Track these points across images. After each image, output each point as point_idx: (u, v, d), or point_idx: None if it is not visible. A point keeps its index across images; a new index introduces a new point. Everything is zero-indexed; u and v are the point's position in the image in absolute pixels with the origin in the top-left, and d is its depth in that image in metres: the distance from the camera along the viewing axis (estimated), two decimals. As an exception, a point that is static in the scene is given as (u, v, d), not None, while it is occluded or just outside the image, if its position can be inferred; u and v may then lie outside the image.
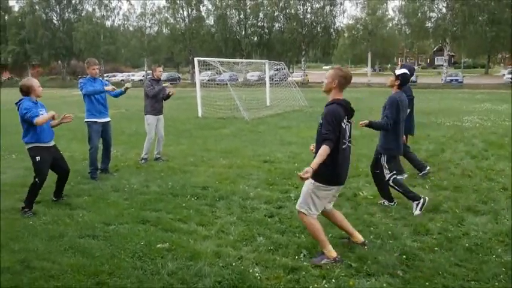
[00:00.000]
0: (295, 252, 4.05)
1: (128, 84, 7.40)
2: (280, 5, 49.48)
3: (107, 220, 4.98)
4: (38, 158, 5.31)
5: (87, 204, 5.62)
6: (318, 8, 48.31)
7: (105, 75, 54.65)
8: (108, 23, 56.41)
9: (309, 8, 48.53)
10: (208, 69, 20.70)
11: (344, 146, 3.78)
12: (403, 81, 5.32)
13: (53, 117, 5.40)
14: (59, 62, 60.24)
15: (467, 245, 4.15)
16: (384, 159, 5.23)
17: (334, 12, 48.99)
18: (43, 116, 5.23)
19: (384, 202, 5.46)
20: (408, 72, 5.35)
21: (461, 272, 3.63)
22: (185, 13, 51.85)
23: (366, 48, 49.25)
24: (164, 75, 53.65)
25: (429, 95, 27.22)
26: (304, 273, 3.66)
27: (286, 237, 4.41)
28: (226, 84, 17.55)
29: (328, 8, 48.44)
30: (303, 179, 3.52)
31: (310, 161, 7.87)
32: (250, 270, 3.69)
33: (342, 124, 3.73)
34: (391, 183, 5.23)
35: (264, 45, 51.68)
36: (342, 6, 50.14)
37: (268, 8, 50.17)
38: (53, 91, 36.46)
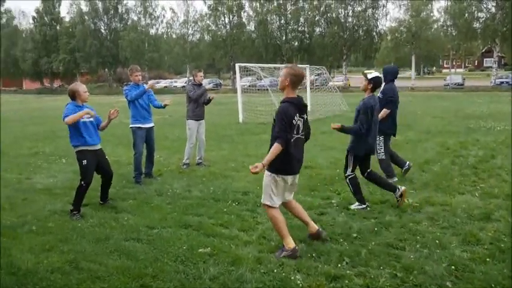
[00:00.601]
0: (337, 259, 3.97)
1: (167, 102, 7.52)
2: (321, 9, 49.12)
3: (151, 224, 5.08)
4: (84, 162, 5.49)
5: (131, 207, 5.78)
6: (359, 11, 47.56)
7: (149, 82, 56.10)
8: (152, 31, 58.08)
9: (351, 11, 47.90)
10: (249, 75, 20.88)
11: (293, 139, 4.03)
12: (376, 85, 5.51)
13: (89, 115, 5.48)
14: (106, 69, 62.62)
15: (521, 256, 3.93)
16: (350, 157, 5.48)
17: (376, 15, 48.09)
18: (72, 116, 5.33)
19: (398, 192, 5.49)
20: (380, 75, 5.56)
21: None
22: (226, 20, 52.52)
23: (409, 51, 47.92)
24: (205, 82, 54.43)
25: (477, 97, 26.14)
26: (347, 281, 3.58)
27: (328, 245, 4.33)
28: (267, 89, 17.60)
29: (370, 11, 47.59)
30: (254, 173, 3.86)
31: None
32: (292, 277, 3.65)
33: (293, 121, 4.00)
34: (347, 181, 5.52)
35: (304, 50, 51.41)
36: (384, 9, 49.34)
37: (309, 13, 49.91)
38: (99, 98, 37.87)
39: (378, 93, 6.59)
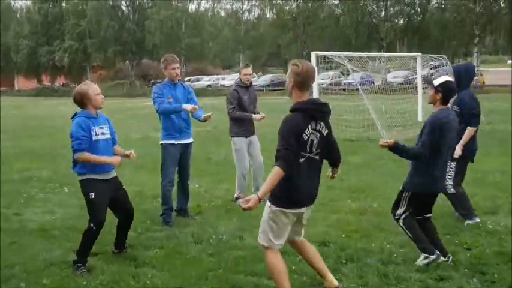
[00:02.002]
0: None
1: (208, 115, 7.43)
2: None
3: (184, 284, 5.14)
4: (91, 195, 5.54)
5: (157, 260, 5.87)
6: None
7: (186, 79, 57.80)
8: (192, 7, 59.81)
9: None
10: (330, 69, 20.82)
11: (304, 159, 4.18)
12: (447, 94, 5.47)
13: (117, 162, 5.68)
14: (127, 62, 64.78)
15: None
16: (406, 195, 5.52)
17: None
18: (93, 157, 5.47)
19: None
20: (451, 80, 5.61)
21: None
22: (298, -11, 53.21)
23: None
24: (267, 78, 55.43)
25: None
26: None
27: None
28: (357, 89, 17.46)
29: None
30: (245, 209, 4.00)
31: (490, 209, 7.50)
32: None
33: (303, 135, 4.14)
34: (401, 224, 5.56)
35: (414, 31, 50.86)
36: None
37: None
38: (118, 101, 39.38)
39: (452, 105, 6.65)
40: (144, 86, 61.50)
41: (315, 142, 4.21)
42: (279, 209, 4.23)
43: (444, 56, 23.49)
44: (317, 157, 4.28)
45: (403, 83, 27.52)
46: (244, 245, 6.32)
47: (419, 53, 22.31)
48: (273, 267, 4.36)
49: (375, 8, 51.05)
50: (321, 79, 20.71)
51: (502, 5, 46.95)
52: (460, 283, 5.05)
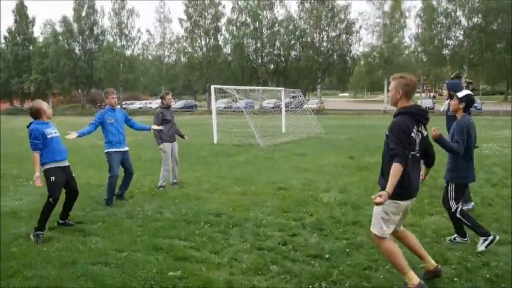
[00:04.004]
0: (309, 281, 3.96)
1: (154, 127, 7.72)
2: (297, 33, 50.27)
3: (120, 247, 4.97)
4: (52, 178, 5.40)
5: (100, 230, 5.64)
6: (334, 37, 48.91)
7: (123, 103, 55.77)
8: (128, 52, 57.89)
9: (325, 36, 49.19)
10: (225, 97, 21.00)
11: (410, 156, 3.51)
12: (468, 103, 4.96)
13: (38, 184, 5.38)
14: (79, 90, 61.72)
15: (487, 275, 4.00)
16: (451, 188, 4.85)
17: (350, 41, 49.57)
18: (35, 162, 5.37)
19: (455, 238, 5.00)
20: (471, 93, 5.04)
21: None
22: (203, 42, 52.98)
23: (382, 75, 49.24)
24: (181, 103, 54.75)
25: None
26: (317, 303, 3.57)
27: (299, 266, 4.33)
28: (242, 111, 17.71)
29: (344, 36, 49.03)
30: (377, 204, 3.35)
31: (325, 189, 7.78)
32: (263, 300, 3.62)
33: (412, 134, 3.49)
34: (458, 215, 4.80)
35: (280, 73, 52.26)
36: (358, 35, 50.58)
37: (285, 37, 50.96)
38: (73, 118, 37.27)
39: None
40: (92, 108, 59.16)
41: (417, 141, 3.56)
42: (392, 201, 3.50)
43: (298, 90, 24.39)
44: (418, 155, 3.64)
45: (273, 107, 28.28)
46: (163, 218, 6.19)
47: (283, 88, 22.99)
48: (390, 252, 3.61)
49: (255, 56, 51.96)
50: (218, 104, 20.74)
51: (335, 57, 49.43)
52: (306, 237, 5.23)
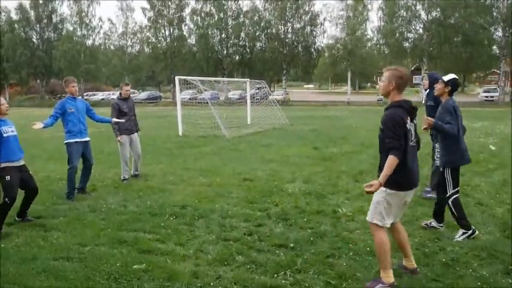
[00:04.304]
0: (274, 270, 4.03)
1: (115, 120, 7.57)
2: (262, 24, 50.17)
3: (83, 241, 4.87)
4: (7, 178, 5.18)
5: (62, 225, 5.49)
6: (298, 28, 49.08)
7: (84, 94, 54.11)
8: (88, 42, 56.05)
9: (290, 28, 49.26)
10: (190, 88, 20.76)
11: (408, 147, 3.56)
12: (454, 88, 5.00)
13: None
14: (38, 80, 59.41)
15: (444, 260, 4.19)
16: (447, 173, 4.84)
17: (314, 33, 49.82)
18: None
19: (431, 223, 5.12)
20: (457, 78, 5.08)
21: (438, 287, 3.66)
22: (167, 32, 51.99)
23: (345, 67, 50.03)
24: (145, 94, 53.80)
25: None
26: (282, 291, 3.64)
27: (265, 256, 4.38)
28: (207, 102, 17.60)
29: (308, 28, 49.25)
30: (368, 193, 3.43)
31: (290, 179, 7.86)
32: (228, 290, 3.65)
33: (407, 125, 3.54)
34: (450, 202, 4.82)
35: (245, 64, 52.11)
36: (322, 27, 50.87)
37: (250, 28, 50.78)
38: (30, 110, 35.85)
39: (427, 100, 6.44)
40: (52, 99, 57.26)
41: (412, 132, 3.59)
42: (394, 191, 3.55)
43: (264, 81, 24.42)
44: (415, 145, 3.68)
45: (238, 98, 28.19)
46: (127, 211, 6.09)
47: (248, 79, 22.97)
48: (381, 243, 3.61)
49: (220, 47, 51.51)
50: (183, 95, 20.51)
51: (300, 49, 49.74)
52: (271, 227, 5.30)
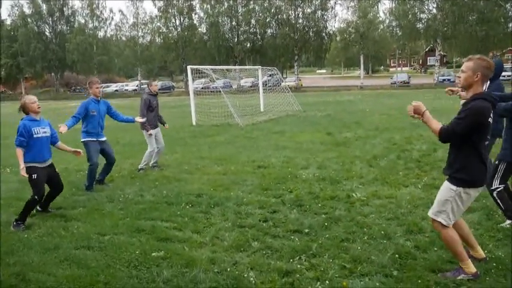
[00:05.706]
0: (289, 255, 4.08)
1: (138, 119, 7.63)
2: (272, 11, 49.73)
3: (102, 231, 4.99)
4: (34, 176, 5.33)
5: (82, 215, 5.63)
6: (309, 13, 48.55)
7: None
8: (100, 34, 56.40)
9: (301, 13, 48.77)
10: (202, 77, 20.84)
11: (486, 143, 3.43)
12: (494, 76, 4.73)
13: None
14: (52, 74, 60.11)
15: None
16: (501, 167, 4.60)
17: (325, 17, 49.26)
18: (19, 157, 5.27)
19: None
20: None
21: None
22: (177, 22, 51.95)
23: (358, 51, 49.44)
24: (158, 84, 53.88)
25: (422, 95, 27.37)
26: (298, 275, 3.70)
27: (280, 241, 4.44)
28: (220, 91, 17.63)
29: (319, 12, 48.70)
30: (416, 112, 3.40)
31: (304, 166, 7.87)
32: (245, 275, 3.72)
33: (490, 120, 3.32)
34: (495, 195, 4.63)
35: (256, 52, 51.84)
36: (333, 10, 50.84)
37: (260, 14, 50.39)
38: (46, 103, 36.36)
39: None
40: (67, 92, 58.02)
41: (490, 128, 3.40)
42: (465, 190, 3.37)
43: (275, 68, 24.34)
44: (487, 142, 3.48)
45: (251, 86, 28.15)
46: (144, 200, 6.22)
47: (260, 66, 22.89)
48: (450, 240, 3.47)
49: (231, 35, 51.31)
50: (196, 85, 20.57)
51: (311, 34, 49.25)
52: (286, 213, 5.36)
